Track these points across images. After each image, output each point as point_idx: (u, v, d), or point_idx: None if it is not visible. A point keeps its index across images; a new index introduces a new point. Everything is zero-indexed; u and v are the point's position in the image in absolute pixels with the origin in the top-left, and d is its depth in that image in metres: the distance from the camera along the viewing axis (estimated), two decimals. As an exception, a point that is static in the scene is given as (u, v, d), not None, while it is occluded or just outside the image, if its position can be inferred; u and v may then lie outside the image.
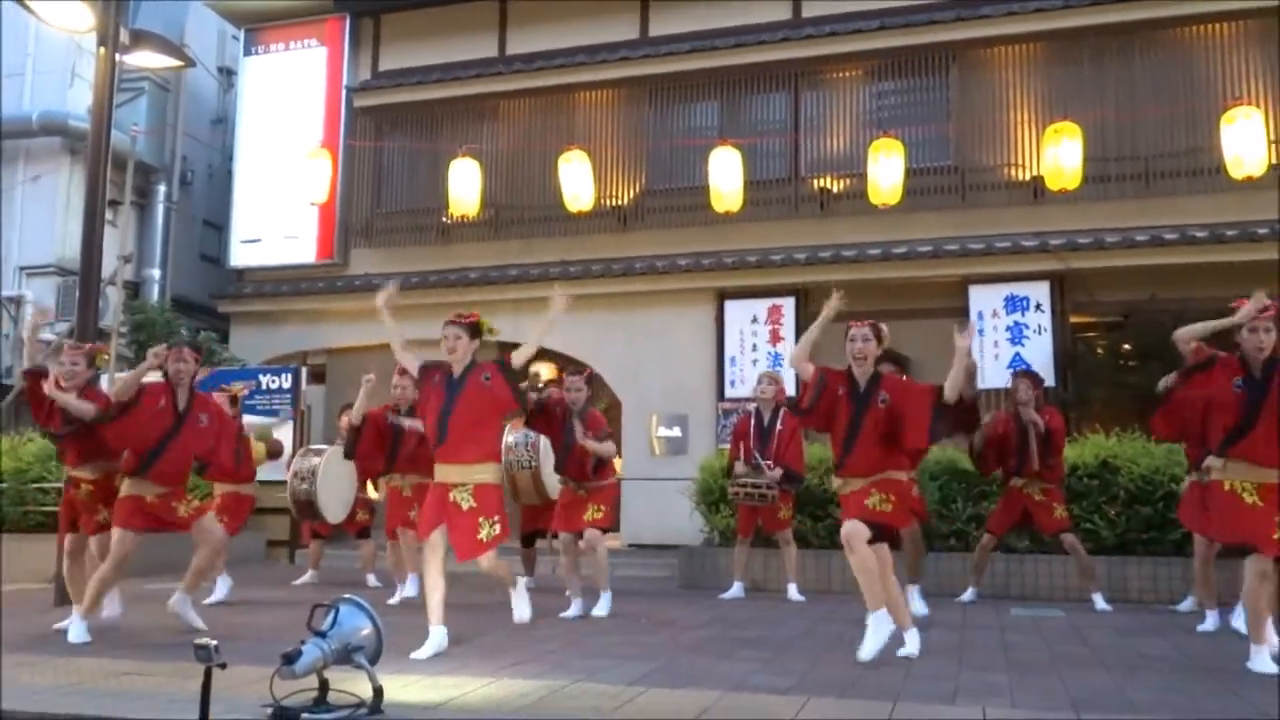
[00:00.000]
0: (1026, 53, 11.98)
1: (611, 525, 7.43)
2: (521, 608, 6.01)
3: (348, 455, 7.95)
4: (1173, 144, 11.13)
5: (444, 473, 5.56)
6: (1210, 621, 6.55)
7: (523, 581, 6.48)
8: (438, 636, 5.37)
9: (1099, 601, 7.53)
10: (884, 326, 5.58)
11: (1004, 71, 12.01)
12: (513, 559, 9.14)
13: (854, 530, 5.21)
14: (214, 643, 3.50)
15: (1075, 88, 11.56)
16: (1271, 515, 4.85)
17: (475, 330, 5.70)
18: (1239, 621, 6.16)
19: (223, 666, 3.53)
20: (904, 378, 6.21)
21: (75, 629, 5.95)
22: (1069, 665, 5.10)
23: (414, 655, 5.17)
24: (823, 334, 5.52)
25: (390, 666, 4.42)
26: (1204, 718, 3.87)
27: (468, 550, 5.47)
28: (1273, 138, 10.61)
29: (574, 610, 7.03)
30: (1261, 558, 4.85)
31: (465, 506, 5.47)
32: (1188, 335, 5.37)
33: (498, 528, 5.54)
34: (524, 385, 6.52)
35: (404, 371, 8.00)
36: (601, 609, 7.08)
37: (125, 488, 6.15)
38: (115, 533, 6.07)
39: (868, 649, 5.10)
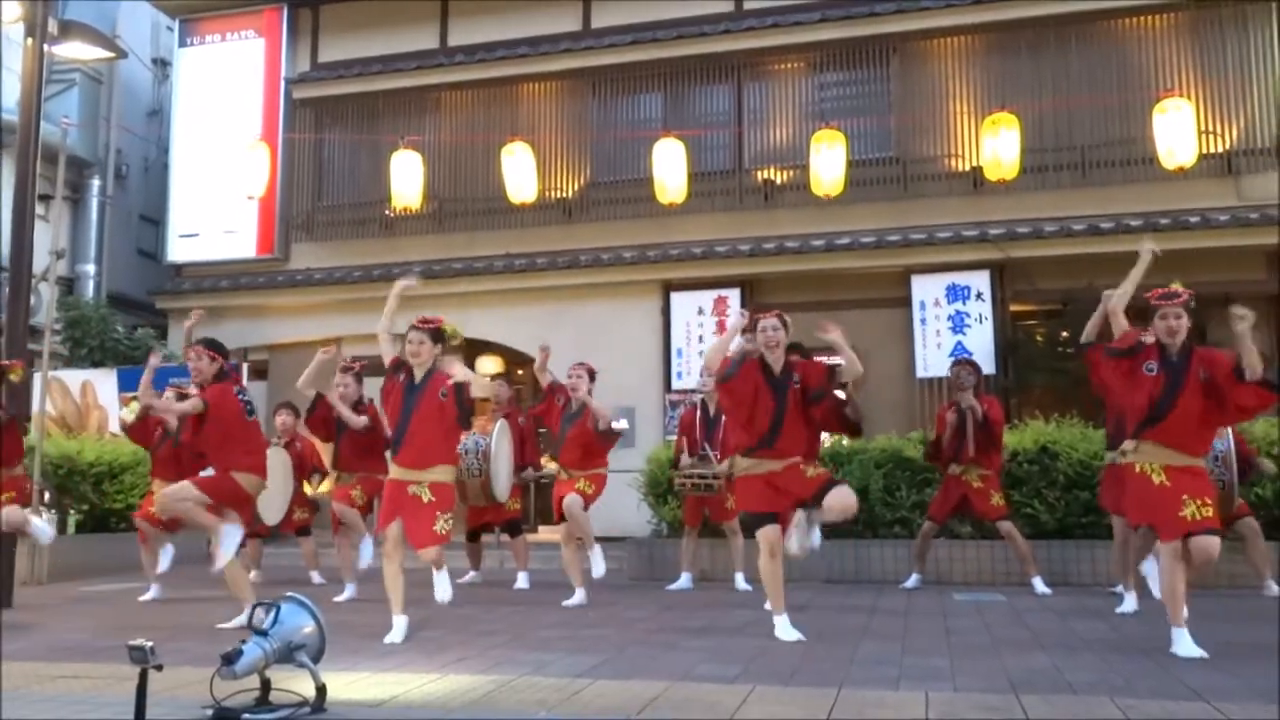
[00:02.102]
0: (965, 44, 12.15)
1: (595, 500, 7.50)
2: (443, 588, 5.94)
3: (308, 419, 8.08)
4: (1108, 134, 11.37)
5: (400, 472, 5.81)
6: (1129, 603, 6.70)
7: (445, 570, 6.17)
8: (401, 624, 5.66)
9: (1039, 585, 7.67)
10: (788, 317, 5.82)
11: (943, 63, 12.17)
12: (458, 553, 9.10)
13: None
14: (149, 644, 3.42)
15: (1013, 79, 11.75)
16: (1178, 497, 4.99)
17: (439, 335, 5.87)
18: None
19: (159, 668, 3.45)
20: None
21: None
22: (1009, 648, 5.18)
23: (387, 639, 5.52)
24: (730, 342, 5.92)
25: (334, 664, 4.37)
26: (1139, 697, 3.96)
27: (423, 539, 5.73)
28: (1203, 128, 10.88)
29: (577, 599, 7.26)
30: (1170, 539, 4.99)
31: (425, 499, 5.73)
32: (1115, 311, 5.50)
33: (451, 523, 5.83)
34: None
35: (347, 369, 8.00)
36: (599, 568, 7.38)
37: None
38: None
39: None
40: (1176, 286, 5.22)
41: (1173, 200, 11.03)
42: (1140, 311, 5.40)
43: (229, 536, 6.09)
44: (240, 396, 6.33)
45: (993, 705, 3.83)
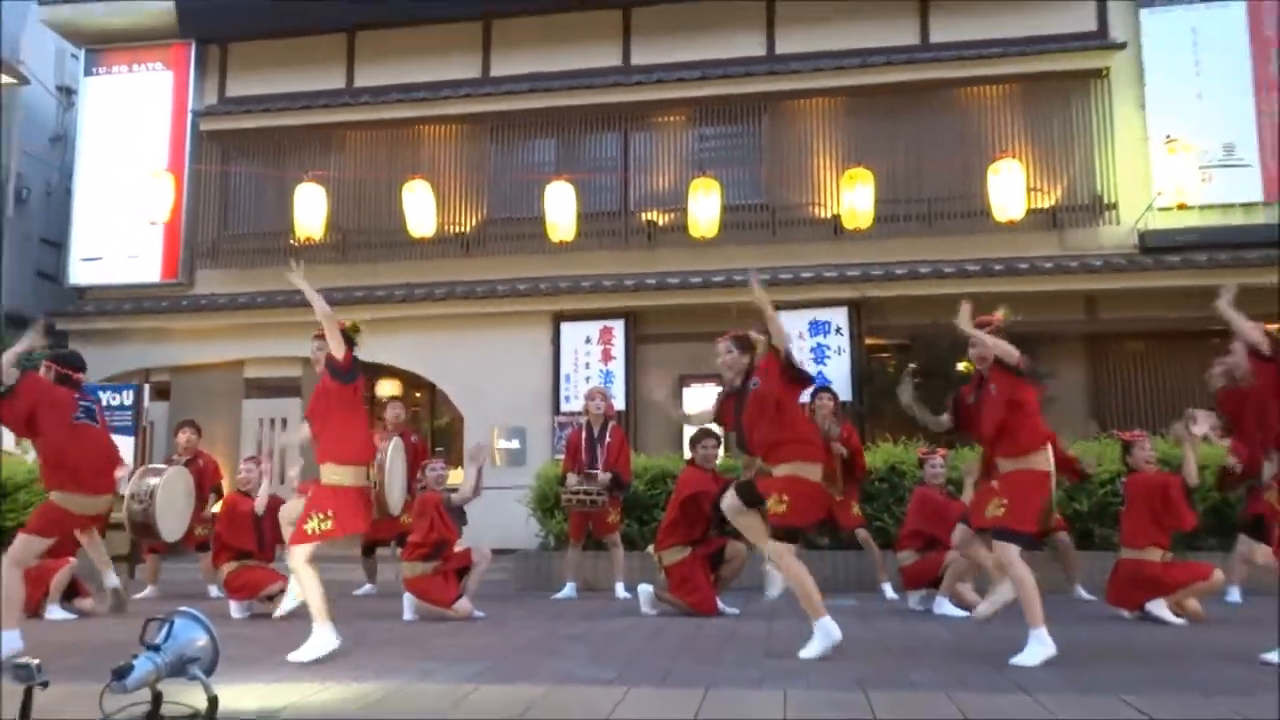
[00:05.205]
0: (828, 106, 12.55)
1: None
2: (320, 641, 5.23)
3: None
4: (951, 189, 11.87)
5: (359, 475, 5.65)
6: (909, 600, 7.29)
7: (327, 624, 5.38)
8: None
9: (888, 591, 7.90)
10: (751, 334, 5.86)
11: (809, 121, 12.54)
12: (353, 565, 8.88)
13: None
14: (35, 661, 3.22)
15: (869, 138, 12.18)
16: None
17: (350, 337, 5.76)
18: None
19: (44, 685, 3.26)
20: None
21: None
22: (859, 650, 5.32)
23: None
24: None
25: (228, 676, 4.20)
26: (971, 692, 4.11)
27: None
28: (1031, 186, 11.50)
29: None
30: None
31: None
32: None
33: (328, 524, 5.36)
34: None
35: (253, 459, 7.91)
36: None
37: None
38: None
39: None
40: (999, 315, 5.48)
41: (1005, 249, 11.60)
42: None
43: None
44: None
45: (843, 702, 3.92)
